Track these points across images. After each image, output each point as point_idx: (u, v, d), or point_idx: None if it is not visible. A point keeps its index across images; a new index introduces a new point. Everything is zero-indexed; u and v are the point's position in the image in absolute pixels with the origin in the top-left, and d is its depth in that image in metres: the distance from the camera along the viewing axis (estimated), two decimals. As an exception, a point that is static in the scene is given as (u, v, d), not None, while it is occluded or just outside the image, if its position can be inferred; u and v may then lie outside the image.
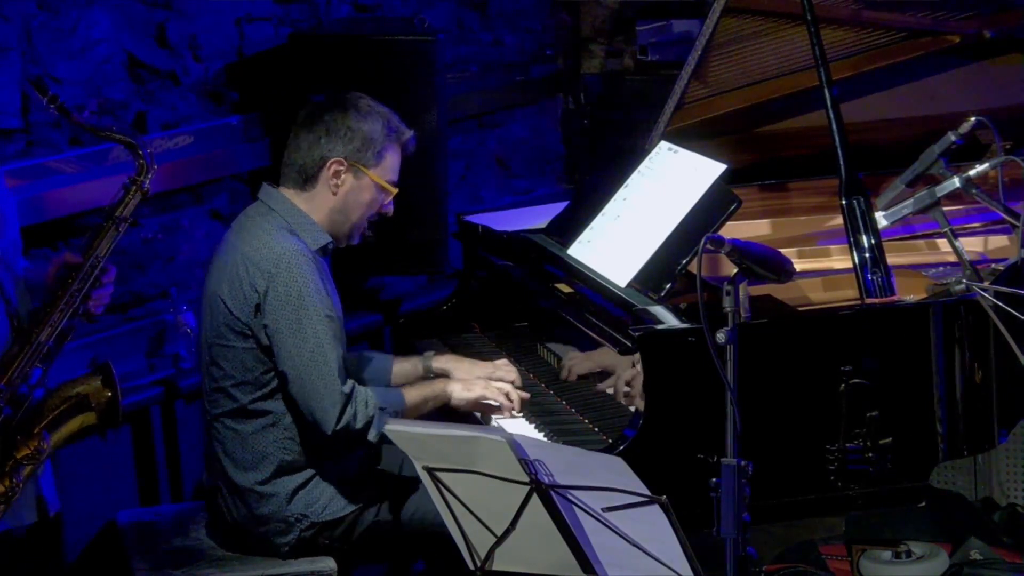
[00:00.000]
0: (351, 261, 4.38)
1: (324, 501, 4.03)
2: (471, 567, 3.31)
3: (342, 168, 4.03)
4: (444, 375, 4.26)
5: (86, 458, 4.49)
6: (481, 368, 4.26)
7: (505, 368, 4.28)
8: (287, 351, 3.91)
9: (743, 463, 3.21)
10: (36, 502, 3.82)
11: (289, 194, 4.06)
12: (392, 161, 4.10)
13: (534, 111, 6.45)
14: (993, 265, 4.21)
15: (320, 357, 3.89)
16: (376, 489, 4.10)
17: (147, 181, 3.78)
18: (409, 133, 4.14)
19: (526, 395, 4.17)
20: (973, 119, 4.20)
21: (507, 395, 4.13)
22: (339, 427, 3.90)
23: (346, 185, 4.04)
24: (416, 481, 3.39)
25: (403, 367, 4.34)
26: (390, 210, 4.14)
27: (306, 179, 4.04)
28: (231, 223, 4.15)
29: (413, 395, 4.08)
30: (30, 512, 3.81)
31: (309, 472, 4.03)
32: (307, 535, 4.03)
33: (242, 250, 3.97)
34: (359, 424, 3.92)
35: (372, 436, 3.94)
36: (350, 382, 3.95)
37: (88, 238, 3.78)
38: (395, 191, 4.11)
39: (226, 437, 4.03)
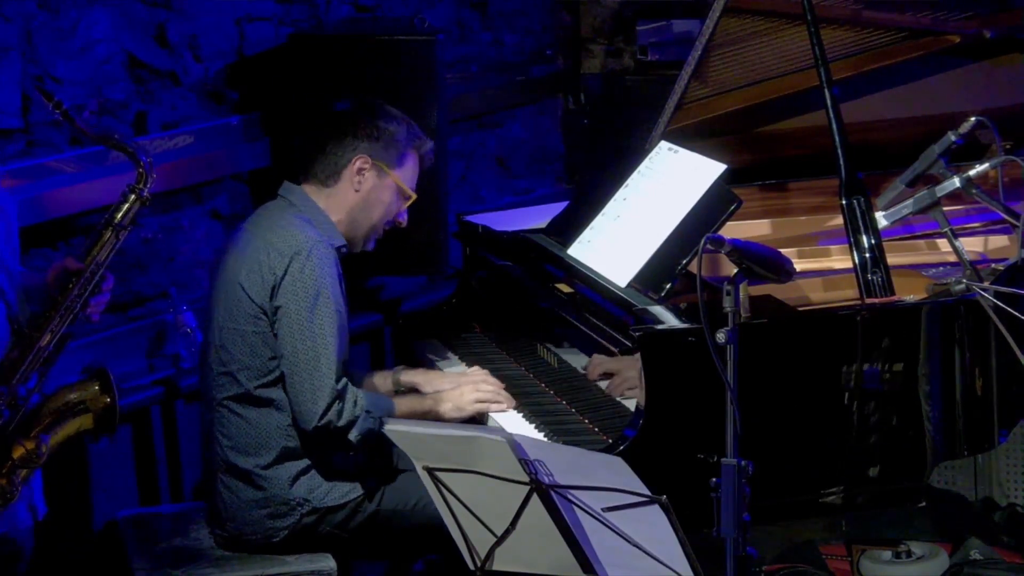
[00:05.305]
0: (351, 261, 4.37)
1: (327, 487, 4.04)
2: (471, 567, 3.31)
3: (366, 166, 4.08)
4: (413, 389, 4.28)
5: (86, 458, 4.49)
6: (450, 381, 4.26)
7: (478, 376, 4.28)
8: (290, 334, 3.93)
9: (743, 463, 3.21)
10: (28, 506, 3.82)
11: (310, 191, 4.10)
12: (411, 167, 4.17)
13: (534, 111, 6.45)
14: (993, 265, 4.21)
15: (321, 347, 3.91)
16: (379, 478, 4.11)
17: (146, 189, 3.80)
18: (429, 144, 4.21)
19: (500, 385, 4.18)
20: (973, 119, 4.19)
21: (497, 392, 4.15)
22: (321, 422, 3.91)
23: (368, 183, 4.09)
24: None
25: (371, 382, 4.36)
26: (404, 220, 4.20)
27: (328, 175, 4.09)
28: (239, 221, 4.16)
29: (403, 407, 4.10)
30: (25, 515, 3.81)
31: (313, 458, 4.04)
32: (307, 521, 4.03)
33: (264, 236, 4.00)
34: (342, 422, 3.93)
35: (353, 436, 3.95)
36: (344, 380, 3.96)
37: (87, 244, 3.78)
38: (413, 197, 4.17)
39: (229, 421, 4.04)
